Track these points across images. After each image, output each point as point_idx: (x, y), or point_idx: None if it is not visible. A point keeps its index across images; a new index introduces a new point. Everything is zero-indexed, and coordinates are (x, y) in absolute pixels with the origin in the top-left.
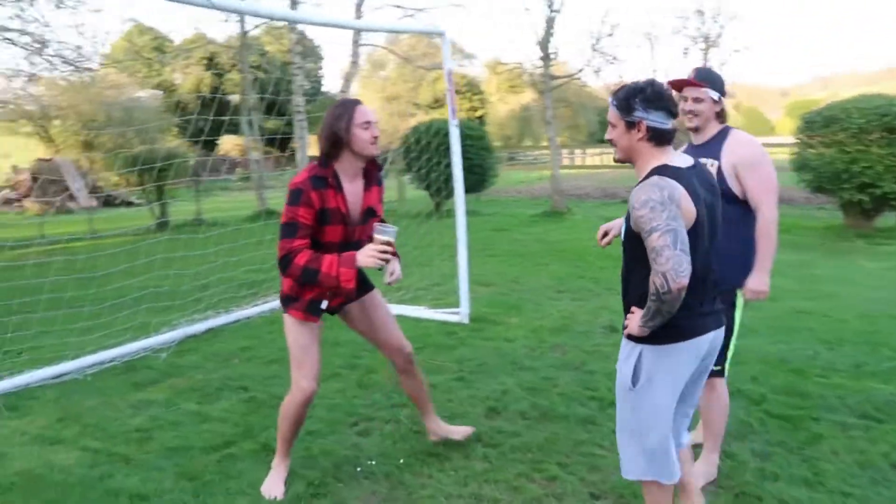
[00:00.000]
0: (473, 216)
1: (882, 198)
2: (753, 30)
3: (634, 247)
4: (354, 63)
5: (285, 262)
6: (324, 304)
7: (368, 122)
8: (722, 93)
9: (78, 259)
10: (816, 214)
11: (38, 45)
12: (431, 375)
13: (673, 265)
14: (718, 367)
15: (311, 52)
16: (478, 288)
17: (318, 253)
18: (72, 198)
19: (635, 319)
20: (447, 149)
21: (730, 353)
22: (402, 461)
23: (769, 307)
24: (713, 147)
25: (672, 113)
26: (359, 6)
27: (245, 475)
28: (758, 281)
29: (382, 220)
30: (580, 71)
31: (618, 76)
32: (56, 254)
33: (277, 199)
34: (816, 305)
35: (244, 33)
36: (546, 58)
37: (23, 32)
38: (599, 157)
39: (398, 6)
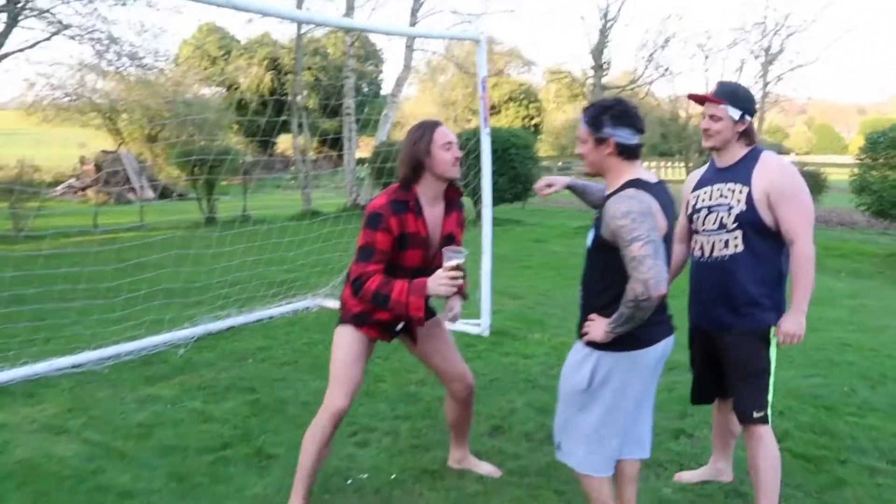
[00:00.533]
0: (515, 226)
1: None
2: (829, 45)
3: (603, 256)
4: (407, 68)
5: (357, 285)
6: (399, 326)
7: (450, 143)
8: (747, 112)
9: (121, 249)
10: (879, 240)
11: (106, 42)
12: (439, 388)
13: (654, 274)
14: (760, 414)
15: (371, 56)
16: (505, 300)
17: (390, 278)
18: (132, 189)
19: (600, 326)
20: (494, 156)
21: (770, 398)
22: (394, 476)
23: (811, 337)
24: (741, 171)
25: (638, 129)
26: (415, 11)
27: (234, 480)
28: (792, 323)
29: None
30: (633, 82)
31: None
32: (106, 243)
33: (324, 199)
34: (863, 338)
35: (299, 35)
36: (598, 67)
37: (90, 29)
38: (657, 171)
39: (455, 12)
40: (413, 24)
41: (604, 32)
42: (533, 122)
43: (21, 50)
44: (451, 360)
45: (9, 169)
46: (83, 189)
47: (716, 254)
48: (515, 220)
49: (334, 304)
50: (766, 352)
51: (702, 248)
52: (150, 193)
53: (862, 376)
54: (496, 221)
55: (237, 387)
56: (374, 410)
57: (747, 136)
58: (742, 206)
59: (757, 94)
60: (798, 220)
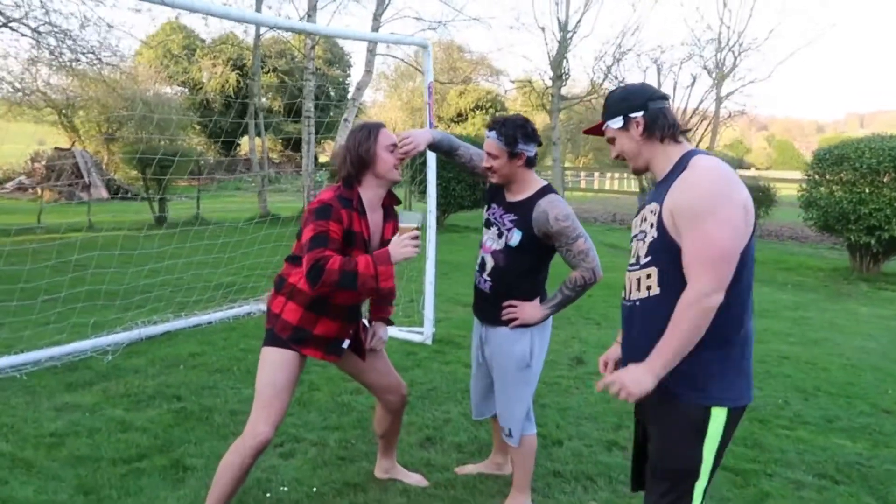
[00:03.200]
0: (473, 233)
1: (890, 241)
2: (780, 62)
3: (528, 252)
4: (368, 72)
5: (316, 270)
6: (345, 344)
7: (393, 145)
8: (631, 110)
9: (62, 249)
10: (826, 254)
11: (60, 36)
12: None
13: (598, 263)
14: None
15: (338, 60)
16: (455, 308)
17: (349, 257)
18: (85, 188)
19: (535, 309)
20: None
21: None
22: (315, 489)
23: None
24: (666, 184)
25: (539, 143)
26: (377, 16)
27: (145, 492)
28: (629, 376)
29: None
30: (591, 93)
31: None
32: (47, 242)
33: (283, 203)
34: (801, 351)
35: (257, 36)
36: (558, 78)
37: (37, 21)
38: (619, 181)
39: (418, 17)
40: (376, 28)
41: (563, 44)
42: None
43: None
44: (386, 372)
45: None
46: (33, 187)
47: (632, 296)
48: (474, 227)
49: None
50: (697, 446)
51: (624, 287)
52: (103, 193)
53: (796, 389)
54: (454, 228)
55: (163, 394)
56: (305, 421)
57: (654, 134)
58: (654, 233)
59: (710, 107)
60: (694, 255)
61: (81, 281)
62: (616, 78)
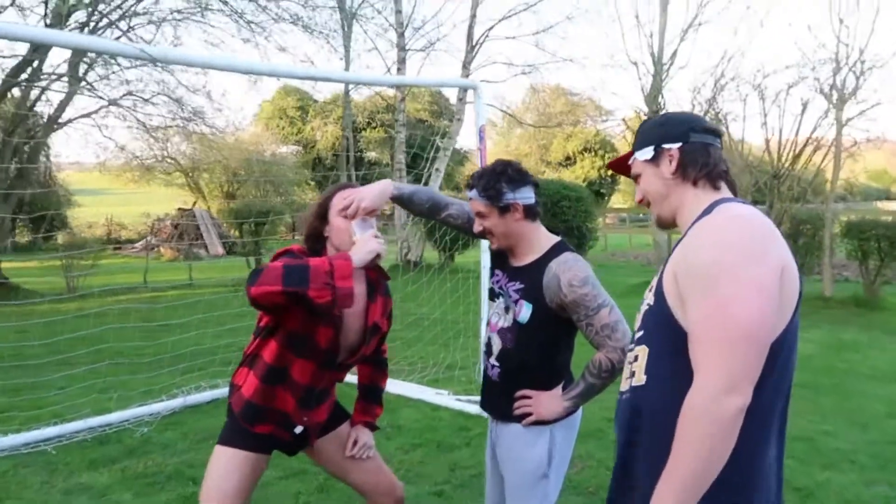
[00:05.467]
0: None
1: None
2: None
3: (543, 329)
4: (458, 121)
5: (256, 272)
6: (298, 429)
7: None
8: (664, 140)
9: (151, 310)
10: None
11: (189, 109)
12: (408, 486)
13: (629, 339)
14: None
15: (446, 111)
16: None
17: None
18: (204, 246)
19: (553, 402)
20: (542, 209)
21: None
22: None
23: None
24: (679, 243)
25: (535, 185)
26: (466, 63)
27: None
28: None
29: (382, 342)
30: None
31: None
32: (146, 302)
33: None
34: None
35: (346, 93)
36: (654, 113)
37: (163, 94)
38: None
39: (509, 63)
40: (466, 75)
41: (657, 77)
42: (609, 172)
43: (88, 114)
44: (376, 471)
45: (98, 226)
46: (158, 246)
47: (622, 386)
48: None
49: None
50: None
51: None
52: (219, 250)
53: None
54: None
55: (181, 476)
56: None
57: (688, 177)
58: (650, 300)
59: (826, 134)
60: (704, 334)
61: (161, 344)
62: (716, 111)
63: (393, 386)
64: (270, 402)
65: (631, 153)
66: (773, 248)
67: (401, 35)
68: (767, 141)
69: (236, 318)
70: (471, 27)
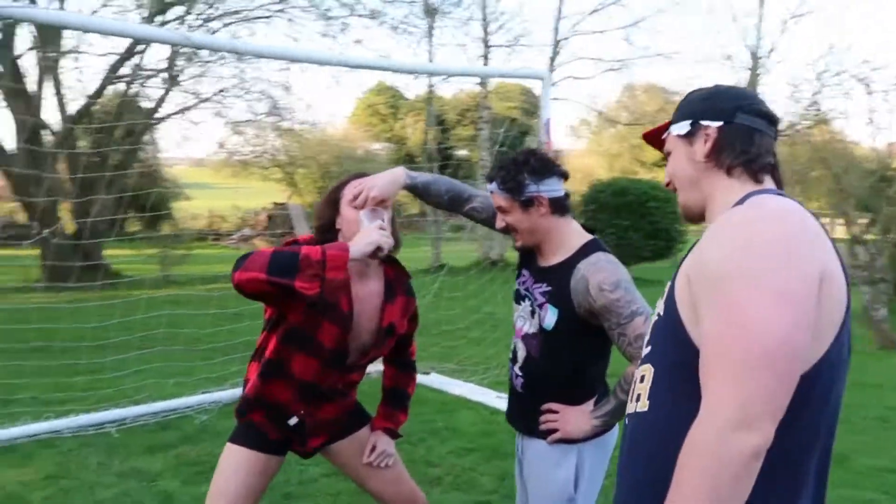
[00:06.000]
0: (654, 286)
1: None
2: None
3: (569, 337)
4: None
5: (243, 257)
6: (292, 420)
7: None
8: (702, 117)
9: (224, 297)
10: None
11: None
12: (454, 492)
13: None
14: None
15: (535, 109)
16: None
17: None
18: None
19: (580, 418)
20: (628, 209)
21: None
22: None
23: None
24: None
25: (563, 176)
26: (551, 59)
27: None
28: None
29: (408, 344)
30: (792, 126)
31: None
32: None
33: (458, 252)
34: None
35: (430, 87)
36: None
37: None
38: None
39: (598, 59)
40: (552, 70)
41: (754, 72)
42: None
43: (182, 111)
44: (395, 480)
45: (201, 218)
46: (252, 238)
47: (627, 410)
48: (657, 280)
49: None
50: None
51: None
52: None
53: None
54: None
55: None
56: None
57: (736, 166)
58: (661, 308)
59: None
60: (714, 351)
61: (232, 331)
62: (815, 108)
63: (454, 386)
64: (266, 393)
65: (668, 124)
66: (809, 251)
67: (485, 30)
68: (875, 140)
69: None
70: (557, 21)
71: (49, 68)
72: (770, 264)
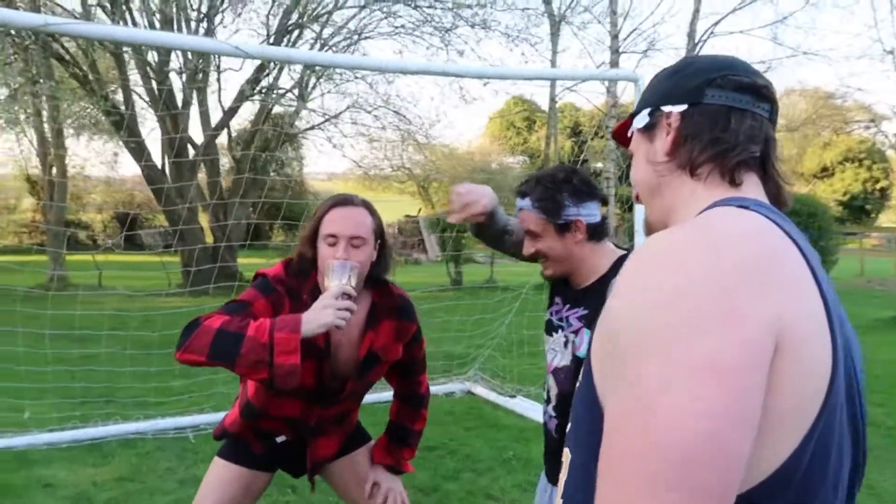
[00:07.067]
0: None
1: None
2: None
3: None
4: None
5: (189, 327)
6: (279, 439)
7: (334, 237)
8: (656, 103)
9: None
10: None
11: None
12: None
13: None
14: None
15: None
16: None
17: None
18: (424, 251)
19: None
20: None
21: None
22: None
23: None
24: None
25: (604, 200)
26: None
27: None
28: None
29: (411, 373)
30: None
31: None
32: None
33: None
34: None
35: (552, 99)
36: None
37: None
38: None
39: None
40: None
41: None
42: (878, 185)
43: (318, 125)
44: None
45: None
46: None
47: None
48: None
49: (484, 391)
50: None
51: None
52: (439, 257)
53: None
54: None
55: (282, 482)
56: None
57: (703, 163)
58: (581, 377)
59: None
60: (609, 448)
61: None
62: None
63: (538, 413)
64: (242, 429)
65: (631, 117)
66: (757, 298)
67: (614, 37)
68: None
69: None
70: (692, 23)
71: (196, 88)
72: (690, 326)
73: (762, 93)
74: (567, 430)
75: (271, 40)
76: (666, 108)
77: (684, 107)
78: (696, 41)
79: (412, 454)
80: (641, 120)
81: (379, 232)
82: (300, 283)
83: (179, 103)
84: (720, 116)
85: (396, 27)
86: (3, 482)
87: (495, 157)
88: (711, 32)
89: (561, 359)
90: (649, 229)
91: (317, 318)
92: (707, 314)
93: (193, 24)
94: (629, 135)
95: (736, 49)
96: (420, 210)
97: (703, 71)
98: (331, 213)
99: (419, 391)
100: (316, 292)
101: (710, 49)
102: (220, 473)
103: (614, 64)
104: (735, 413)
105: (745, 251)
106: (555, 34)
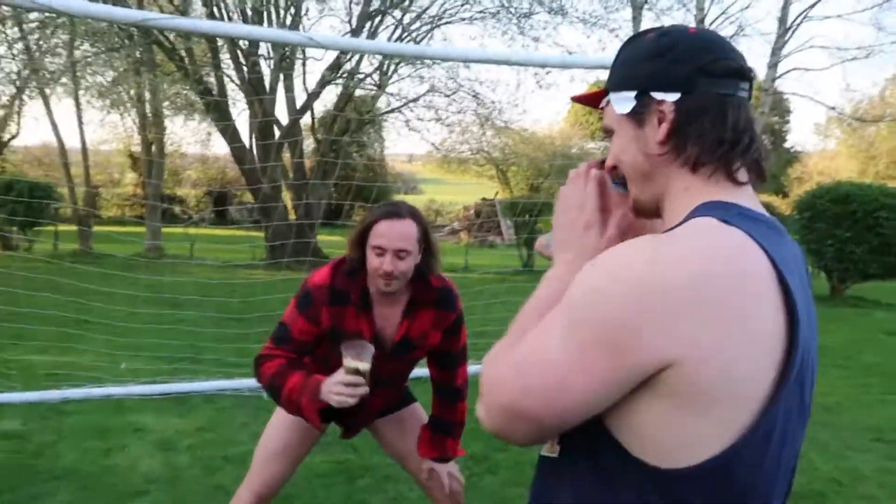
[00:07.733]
0: (874, 309)
1: None
2: None
3: None
4: (763, 113)
5: (256, 365)
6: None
7: (381, 249)
8: (644, 87)
9: None
10: None
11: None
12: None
13: None
14: None
15: (776, 106)
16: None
17: (291, 367)
18: (500, 234)
19: None
20: (850, 219)
21: None
22: None
23: None
24: None
25: None
26: (776, 49)
27: None
28: None
29: (448, 365)
30: None
31: None
32: None
33: None
34: None
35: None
36: None
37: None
38: None
39: (835, 47)
40: (775, 63)
41: None
42: None
43: (397, 108)
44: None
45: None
46: (459, 231)
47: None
48: (884, 302)
49: None
50: None
51: None
52: (514, 240)
53: None
54: (849, 301)
55: (352, 445)
56: None
57: (703, 159)
58: None
59: None
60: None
61: None
62: None
63: None
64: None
65: (601, 92)
66: (656, 334)
67: (700, 22)
68: None
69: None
70: (784, 7)
71: (283, 74)
72: (597, 320)
73: (745, 74)
74: None
75: (353, 26)
76: (657, 96)
77: (677, 95)
78: (788, 26)
79: (456, 442)
80: (626, 103)
81: (424, 238)
82: (349, 284)
83: (267, 87)
84: (716, 108)
85: (477, 13)
86: (101, 425)
87: (577, 141)
88: (805, 16)
89: None
90: (638, 205)
91: (327, 396)
92: (619, 321)
93: (282, 13)
94: (600, 107)
95: (831, 35)
96: (497, 193)
97: (692, 55)
98: (379, 224)
99: (455, 384)
100: (365, 293)
101: (804, 36)
102: (280, 423)
103: None
104: (575, 384)
105: (683, 279)
106: (636, 18)
